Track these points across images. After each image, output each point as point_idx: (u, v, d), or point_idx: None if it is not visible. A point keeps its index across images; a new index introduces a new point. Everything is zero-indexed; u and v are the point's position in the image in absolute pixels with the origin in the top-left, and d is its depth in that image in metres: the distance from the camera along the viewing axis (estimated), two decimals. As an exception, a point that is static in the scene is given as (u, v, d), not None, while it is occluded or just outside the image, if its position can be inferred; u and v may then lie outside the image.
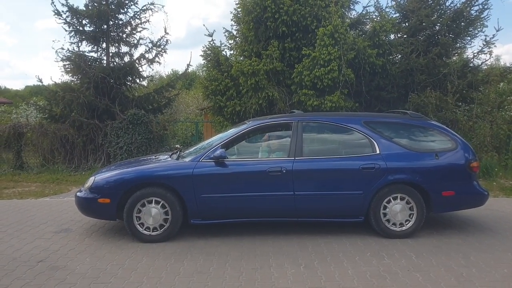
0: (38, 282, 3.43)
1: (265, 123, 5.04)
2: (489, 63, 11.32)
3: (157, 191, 4.48)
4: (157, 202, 4.47)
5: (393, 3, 11.19)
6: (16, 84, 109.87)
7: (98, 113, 10.00)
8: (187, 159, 4.71)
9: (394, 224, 4.58)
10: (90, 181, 4.69)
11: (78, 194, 4.75)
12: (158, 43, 10.72)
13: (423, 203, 4.55)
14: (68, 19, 10.14)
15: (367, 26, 10.78)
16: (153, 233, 4.47)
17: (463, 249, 4.26)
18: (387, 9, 11.21)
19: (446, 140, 4.78)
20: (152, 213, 4.46)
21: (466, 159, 4.70)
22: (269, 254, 4.09)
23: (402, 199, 4.55)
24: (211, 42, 10.49)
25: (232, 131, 5.04)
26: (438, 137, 4.81)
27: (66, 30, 10.25)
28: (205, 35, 10.00)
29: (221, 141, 4.74)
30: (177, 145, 11.32)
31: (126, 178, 4.55)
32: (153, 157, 5.82)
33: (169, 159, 4.97)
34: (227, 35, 10.78)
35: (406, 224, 4.58)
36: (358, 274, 3.59)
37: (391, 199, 4.55)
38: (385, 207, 4.55)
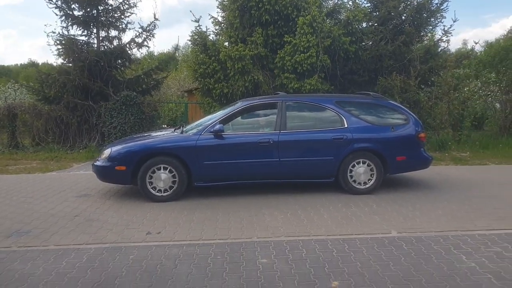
0: (82, 229, 4.34)
1: (254, 103, 6.02)
2: (456, 48, 12.65)
3: (166, 159, 5.41)
4: (165, 168, 5.40)
5: (366, -7, 12.22)
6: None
7: (92, 95, 10.64)
8: (190, 133, 5.63)
9: (359, 183, 5.72)
10: (107, 152, 5.55)
11: (96, 163, 5.61)
12: (148, 28, 11.33)
13: (381, 166, 5.70)
14: (58, 3, 10.58)
15: (342, 15, 11.76)
16: (164, 194, 5.42)
17: (412, 200, 5.44)
18: (360, -1, 12.26)
19: (400, 116, 5.93)
20: (162, 178, 5.39)
21: (416, 131, 5.87)
22: (261, 206, 5.13)
23: (364, 163, 5.69)
24: (198, 27, 11.22)
25: (227, 110, 5.97)
26: (394, 114, 5.95)
27: (57, 15, 10.72)
28: (192, 20, 10.69)
29: (218, 118, 5.69)
30: (163, 125, 12.14)
31: (140, 149, 5.45)
32: (159, 132, 6.69)
33: (175, 133, 5.88)
34: (213, 21, 11.56)
35: (368, 183, 5.72)
36: (331, 217, 4.69)
37: (356, 163, 5.68)
38: (351, 170, 5.67)
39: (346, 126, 5.65)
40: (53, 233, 4.22)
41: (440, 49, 11.93)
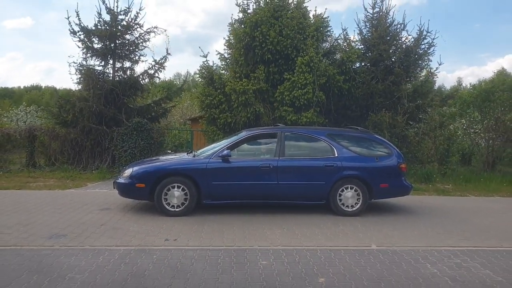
0: (109, 234, 5.11)
1: (257, 133, 6.94)
2: (451, 85, 13.84)
3: (180, 179, 6.24)
4: (178, 187, 6.22)
5: (359, 37, 13.47)
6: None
7: (105, 120, 11.56)
8: (201, 157, 6.49)
9: (347, 206, 6.53)
10: (129, 171, 6.38)
11: (119, 180, 6.43)
12: (160, 61, 12.42)
13: (366, 192, 6.54)
14: (81, 37, 11.71)
15: (337, 55, 12.93)
16: (177, 209, 6.21)
17: (393, 222, 6.25)
18: (353, 39, 13.50)
19: (384, 148, 6.84)
20: (176, 195, 6.20)
21: (397, 162, 6.75)
22: (262, 222, 5.93)
23: (352, 188, 6.53)
24: (205, 62, 12.33)
25: (233, 138, 6.87)
26: (378, 146, 6.86)
27: (79, 47, 11.82)
28: (200, 55, 11.82)
29: (226, 145, 6.57)
30: (168, 151, 12.99)
31: (158, 169, 6.29)
32: (172, 156, 7.54)
33: (188, 157, 6.74)
34: (219, 57, 12.71)
35: (355, 206, 6.54)
36: (322, 233, 5.49)
37: (344, 188, 6.52)
38: (340, 194, 6.51)
39: (336, 155, 6.54)
40: (86, 237, 4.99)
41: (427, 89, 13.03)
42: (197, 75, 12.35)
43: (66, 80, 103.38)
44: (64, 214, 6.11)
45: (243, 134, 6.90)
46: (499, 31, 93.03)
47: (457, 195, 9.75)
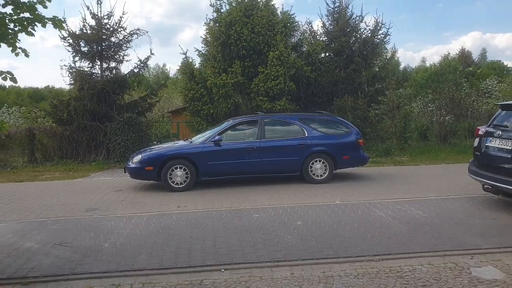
0: (131, 206, 6.46)
1: (241, 120, 8.38)
2: (416, 65, 15.65)
3: (181, 161, 7.62)
4: (180, 168, 7.59)
5: (323, 29, 15.03)
6: None
7: (99, 117, 12.64)
8: (197, 142, 7.88)
9: (317, 175, 8.12)
10: (138, 157, 7.69)
11: (130, 165, 7.74)
12: (144, 60, 13.54)
13: (332, 163, 8.14)
14: (70, 41, 12.65)
15: (304, 48, 14.44)
16: (180, 186, 7.59)
17: (353, 186, 7.90)
18: (318, 32, 15.06)
19: (345, 127, 8.46)
20: (179, 174, 7.58)
21: (356, 138, 8.39)
22: (250, 191, 7.44)
23: (320, 161, 8.11)
24: (184, 59, 13.57)
25: (222, 126, 8.28)
26: (340, 126, 8.47)
27: (69, 51, 12.78)
28: (180, 53, 13.02)
29: (216, 132, 7.98)
30: (154, 142, 14.22)
31: (163, 154, 7.65)
32: (171, 143, 8.87)
33: (186, 142, 8.11)
34: (198, 54, 14.00)
35: (323, 175, 8.14)
36: (297, 195, 7.06)
37: (314, 161, 8.09)
38: (311, 166, 8.08)
39: (306, 135, 8.09)
40: (114, 209, 6.33)
41: (384, 74, 14.82)
42: (178, 71, 13.49)
43: (30, 78, 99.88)
44: (86, 196, 7.38)
45: (230, 122, 8.33)
46: (462, 10, 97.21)
47: (411, 165, 11.55)
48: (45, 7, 4.06)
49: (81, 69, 12.92)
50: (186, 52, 13.49)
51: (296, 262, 4.02)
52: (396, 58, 14.72)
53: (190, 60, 13.61)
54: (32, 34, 4.01)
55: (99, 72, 13.39)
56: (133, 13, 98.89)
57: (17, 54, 3.99)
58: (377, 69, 14.80)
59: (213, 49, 13.19)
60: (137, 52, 61.90)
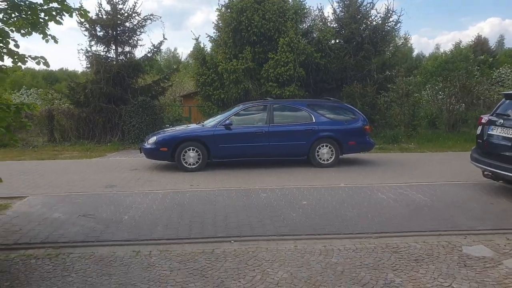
0: (147, 184, 6.89)
1: (251, 105, 8.70)
2: (430, 52, 15.64)
3: (194, 143, 8.01)
4: (193, 149, 7.99)
5: (334, 16, 15.12)
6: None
7: (114, 100, 13.08)
8: (209, 126, 8.25)
9: (323, 160, 8.44)
10: (153, 139, 8.10)
11: (145, 146, 8.16)
12: (157, 45, 13.86)
13: (338, 148, 8.45)
14: (87, 26, 13.01)
15: (314, 34, 14.58)
16: (193, 166, 8.00)
17: (359, 171, 8.21)
18: (329, 19, 15.15)
19: (351, 114, 8.72)
20: (191, 155, 7.98)
21: (362, 124, 8.65)
22: (259, 173, 7.81)
23: (327, 146, 8.42)
24: (196, 44, 13.84)
25: (233, 110, 8.62)
26: (347, 112, 8.73)
27: (85, 36, 13.17)
28: (192, 38, 13.32)
29: (227, 116, 8.33)
30: (167, 125, 14.64)
31: (177, 136, 8.04)
32: (184, 126, 9.26)
33: (198, 126, 8.49)
34: (209, 39, 14.27)
35: (330, 160, 8.45)
36: (304, 178, 7.41)
37: (321, 146, 8.40)
38: (317, 151, 8.39)
39: (314, 121, 8.38)
40: (131, 186, 6.77)
41: (394, 62, 14.89)
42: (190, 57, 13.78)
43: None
44: (105, 174, 7.85)
45: (240, 107, 8.66)
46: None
47: (417, 152, 11.76)
48: (71, -4, 4.38)
49: (97, 53, 13.32)
50: (198, 38, 13.77)
51: (300, 236, 4.39)
52: (409, 45, 14.77)
53: (202, 46, 13.91)
54: (61, 23, 4.34)
55: (114, 56, 13.76)
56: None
57: (47, 41, 4.35)
58: (388, 56, 14.86)
59: (224, 35, 13.43)
60: (150, 36, 62.50)
